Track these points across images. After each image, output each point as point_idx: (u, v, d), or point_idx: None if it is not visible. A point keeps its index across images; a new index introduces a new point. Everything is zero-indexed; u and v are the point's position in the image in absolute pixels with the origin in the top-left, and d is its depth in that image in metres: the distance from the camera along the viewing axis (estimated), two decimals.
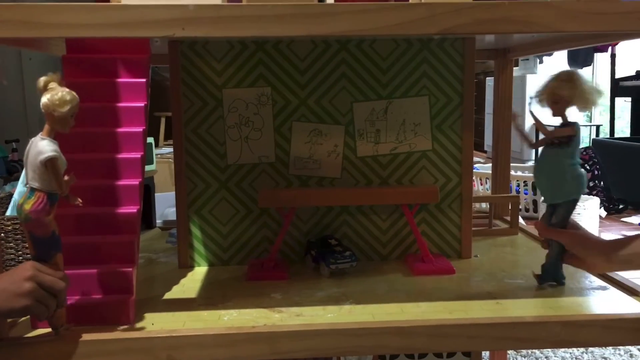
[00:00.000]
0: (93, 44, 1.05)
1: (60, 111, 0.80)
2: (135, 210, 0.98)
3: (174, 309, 0.99)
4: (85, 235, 0.96)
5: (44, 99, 0.80)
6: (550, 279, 1.08)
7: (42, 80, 0.81)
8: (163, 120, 4.61)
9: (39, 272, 0.80)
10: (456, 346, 0.94)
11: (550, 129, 1.03)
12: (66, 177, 0.84)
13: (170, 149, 4.07)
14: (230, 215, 1.22)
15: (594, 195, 3.70)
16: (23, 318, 0.93)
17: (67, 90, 0.81)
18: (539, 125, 1.04)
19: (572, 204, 1.04)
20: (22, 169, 2.46)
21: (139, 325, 0.91)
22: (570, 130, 1.01)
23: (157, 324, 0.92)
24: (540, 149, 1.06)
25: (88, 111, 0.98)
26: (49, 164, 0.80)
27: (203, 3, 0.82)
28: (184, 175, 1.20)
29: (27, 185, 0.82)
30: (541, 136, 1.05)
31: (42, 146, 0.80)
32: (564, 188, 1.03)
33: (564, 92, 0.99)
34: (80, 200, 0.87)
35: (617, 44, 4.90)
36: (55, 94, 0.80)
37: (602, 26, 0.86)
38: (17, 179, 2.43)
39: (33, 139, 0.81)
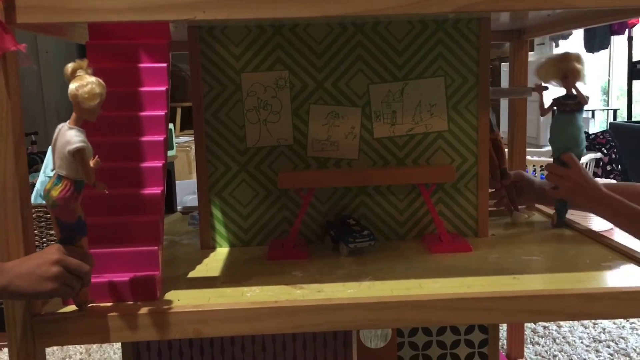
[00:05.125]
0: (115, 30, 1.07)
1: (90, 104, 0.79)
2: (159, 191, 1.00)
3: (198, 286, 1.02)
4: (113, 216, 0.99)
5: (72, 87, 0.79)
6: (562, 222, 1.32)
7: (69, 66, 0.79)
8: (179, 111, 4.65)
9: (65, 255, 0.82)
10: (474, 319, 0.97)
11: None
12: (91, 162, 0.82)
13: (187, 138, 4.11)
14: (250, 197, 1.25)
15: (611, 179, 3.68)
16: None
17: (96, 81, 0.79)
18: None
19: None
20: (42, 162, 2.48)
21: (165, 301, 0.94)
22: (585, 97, 1.23)
23: (182, 300, 0.95)
24: (556, 114, 1.26)
25: (111, 96, 0.98)
26: (77, 154, 0.80)
27: None
28: (205, 158, 1.23)
29: (54, 172, 0.81)
30: (546, 105, 1.28)
31: (70, 136, 0.79)
32: (579, 145, 1.24)
33: (576, 67, 1.20)
34: (106, 188, 0.86)
35: (634, 26, 4.84)
36: (84, 85, 0.78)
37: (618, 0, 0.87)
38: (37, 170, 2.47)
39: (60, 126, 0.81)
